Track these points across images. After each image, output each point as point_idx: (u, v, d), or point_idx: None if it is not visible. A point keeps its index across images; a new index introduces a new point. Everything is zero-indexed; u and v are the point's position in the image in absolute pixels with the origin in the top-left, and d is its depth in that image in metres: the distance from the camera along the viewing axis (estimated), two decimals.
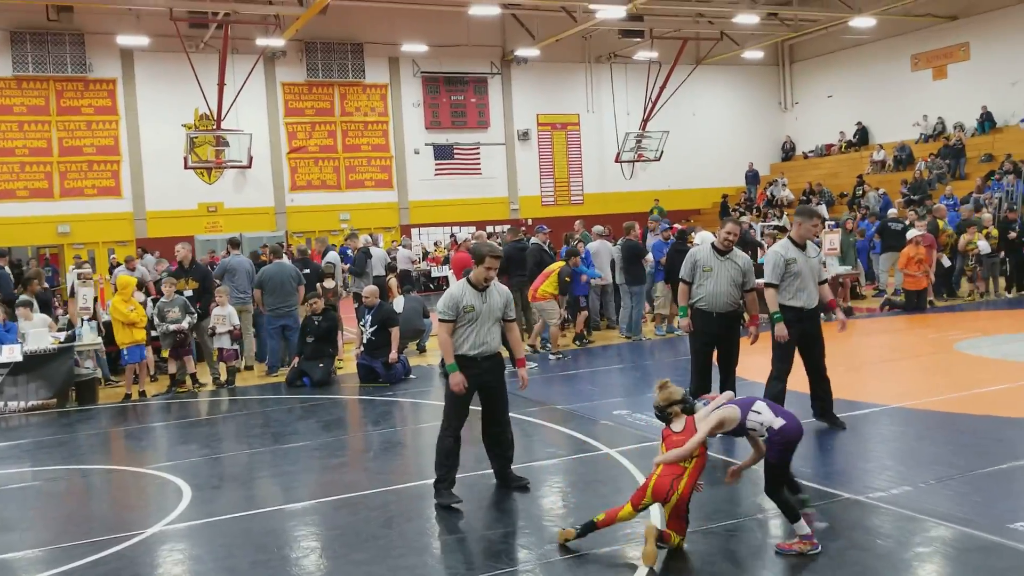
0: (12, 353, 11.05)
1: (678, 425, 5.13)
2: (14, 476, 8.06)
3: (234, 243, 15.19)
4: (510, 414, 6.61)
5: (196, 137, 25.56)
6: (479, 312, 6.25)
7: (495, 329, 6.37)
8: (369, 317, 11.84)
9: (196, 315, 12.01)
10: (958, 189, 24.22)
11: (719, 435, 5.23)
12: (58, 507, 7.17)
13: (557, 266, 13.16)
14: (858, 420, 8.05)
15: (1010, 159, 24.62)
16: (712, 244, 7.98)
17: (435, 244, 29.40)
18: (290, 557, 5.50)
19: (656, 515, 5.39)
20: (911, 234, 16.26)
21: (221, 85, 24.57)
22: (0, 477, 8.05)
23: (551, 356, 12.82)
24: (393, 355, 11.58)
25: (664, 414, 5.21)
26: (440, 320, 6.34)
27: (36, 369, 11.22)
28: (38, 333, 11.49)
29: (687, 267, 7.99)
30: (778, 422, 5.00)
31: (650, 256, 14.49)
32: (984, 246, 17.11)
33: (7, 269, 14.34)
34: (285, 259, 13.50)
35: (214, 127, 25.54)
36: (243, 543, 5.77)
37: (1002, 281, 17.92)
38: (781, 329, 7.45)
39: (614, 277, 14.76)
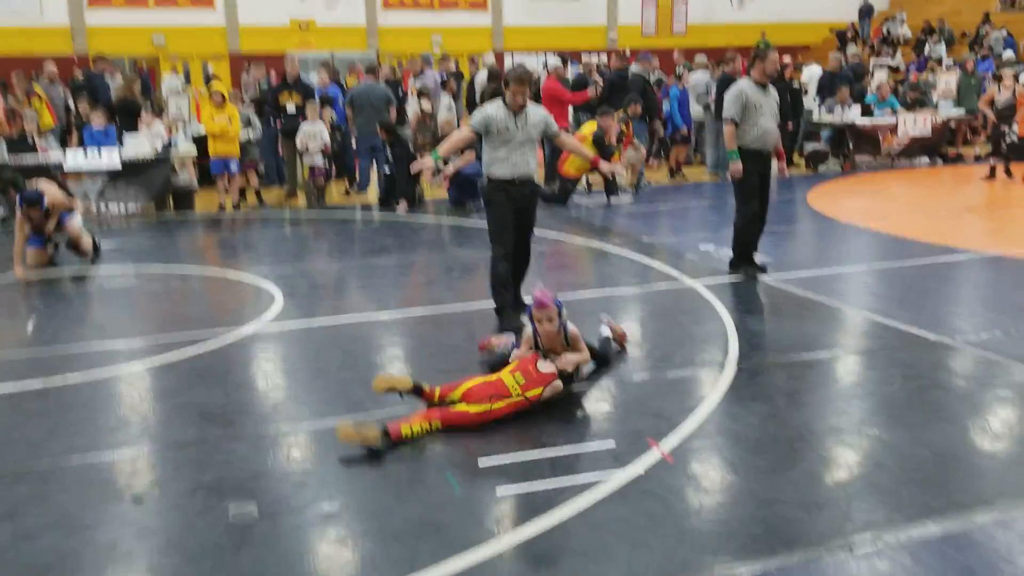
0: (111, 159, 11.40)
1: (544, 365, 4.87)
2: (116, 275, 8.48)
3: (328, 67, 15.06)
4: (596, 243, 6.56)
5: None
6: (513, 133, 6.22)
7: (529, 154, 6.35)
8: None
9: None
10: None
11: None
12: (157, 304, 7.53)
13: (589, 129, 11.82)
14: (952, 267, 7.80)
15: None
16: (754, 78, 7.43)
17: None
18: (376, 362, 5.72)
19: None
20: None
21: None
22: (102, 275, 8.51)
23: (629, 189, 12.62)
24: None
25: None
26: (467, 125, 6.37)
27: (135, 176, 11.59)
28: (137, 141, 11.80)
29: (736, 106, 7.37)
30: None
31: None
32: None
33: (107, 76, 14.58)
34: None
35: None
36: (332, 347, 6.01)
37: None
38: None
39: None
